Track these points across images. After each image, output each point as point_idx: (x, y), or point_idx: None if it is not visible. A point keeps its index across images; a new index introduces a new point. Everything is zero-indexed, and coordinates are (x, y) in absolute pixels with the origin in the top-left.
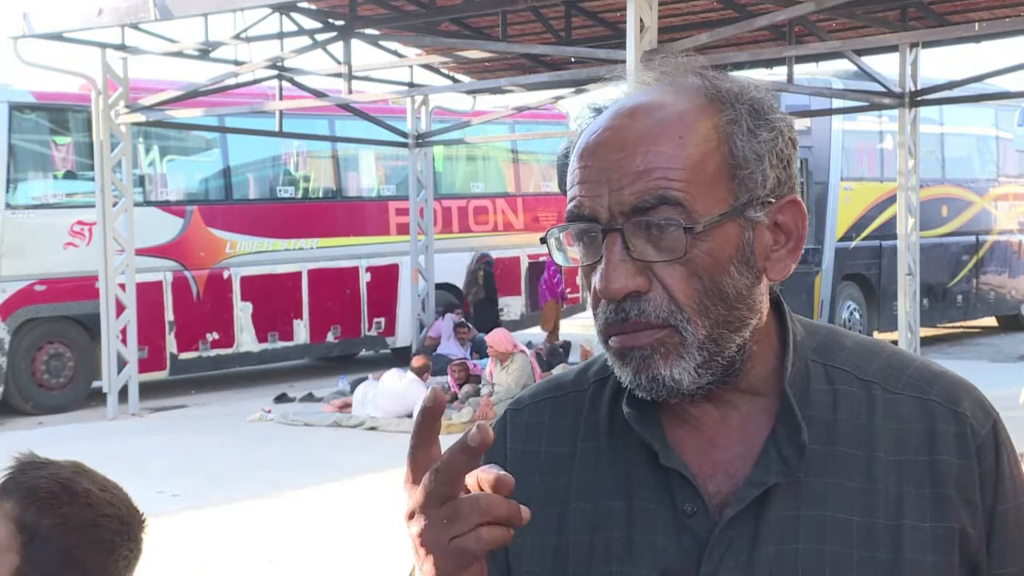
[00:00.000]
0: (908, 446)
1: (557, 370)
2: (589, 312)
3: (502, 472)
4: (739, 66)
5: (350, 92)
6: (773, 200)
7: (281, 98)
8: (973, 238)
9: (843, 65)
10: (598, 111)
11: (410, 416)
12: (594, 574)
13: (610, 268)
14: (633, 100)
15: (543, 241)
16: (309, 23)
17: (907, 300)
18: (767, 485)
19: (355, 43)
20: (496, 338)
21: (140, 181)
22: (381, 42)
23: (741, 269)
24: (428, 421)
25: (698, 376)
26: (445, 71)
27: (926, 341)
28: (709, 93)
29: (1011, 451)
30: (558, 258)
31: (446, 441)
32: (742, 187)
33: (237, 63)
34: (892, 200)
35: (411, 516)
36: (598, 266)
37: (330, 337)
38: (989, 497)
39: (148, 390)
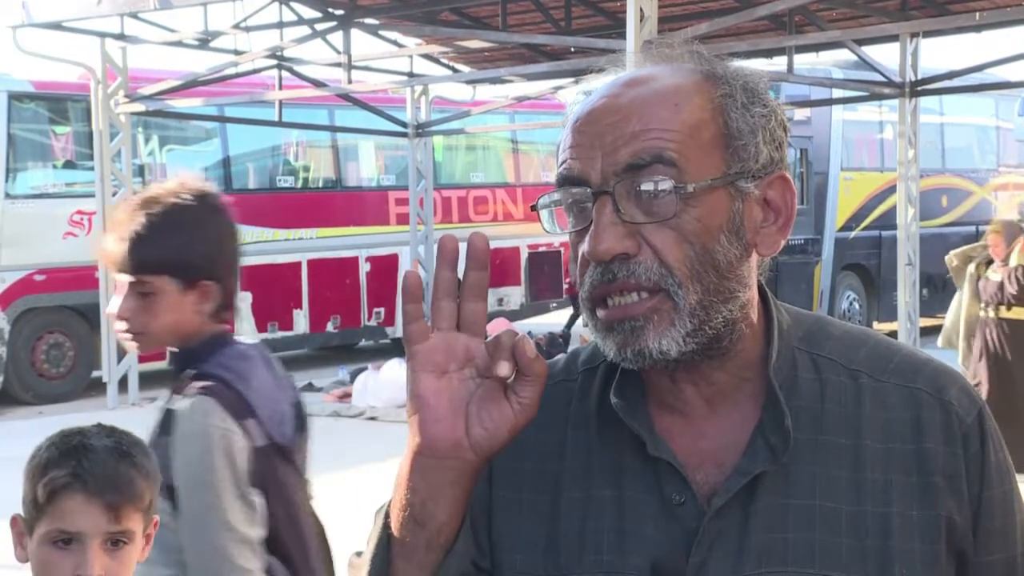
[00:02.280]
0: (895, 434)
1: None
2: None
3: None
4: (739, 56)
5: (350, 82)
6: (763, 176)
7: (281, 88)
8: (973, 228)
9: (843, 55)
10: (587, 94)
11: None
12: (585, 563)
13: (599, 229)
14: (628, 74)
15: (534, 209)
16: (309, 12)
17: (907, 290)
18: (754, 474)
19: (355, 32)
20: (497, 328)
21: (140, 171)
22: (381, 32)
23: (731, 239)
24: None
25: (685, 345)
26: (445, 61)
27: (926, 331)
28: (704, 71)
29: (997, 439)
30: (547, 225)
31: None
32: (735, 157)
33: (237, 52)
34: (892, 190)
35: (420, 369)
36: (586, 232)
37: (330, 327)
38: (975, 484)
39: (148, 380)
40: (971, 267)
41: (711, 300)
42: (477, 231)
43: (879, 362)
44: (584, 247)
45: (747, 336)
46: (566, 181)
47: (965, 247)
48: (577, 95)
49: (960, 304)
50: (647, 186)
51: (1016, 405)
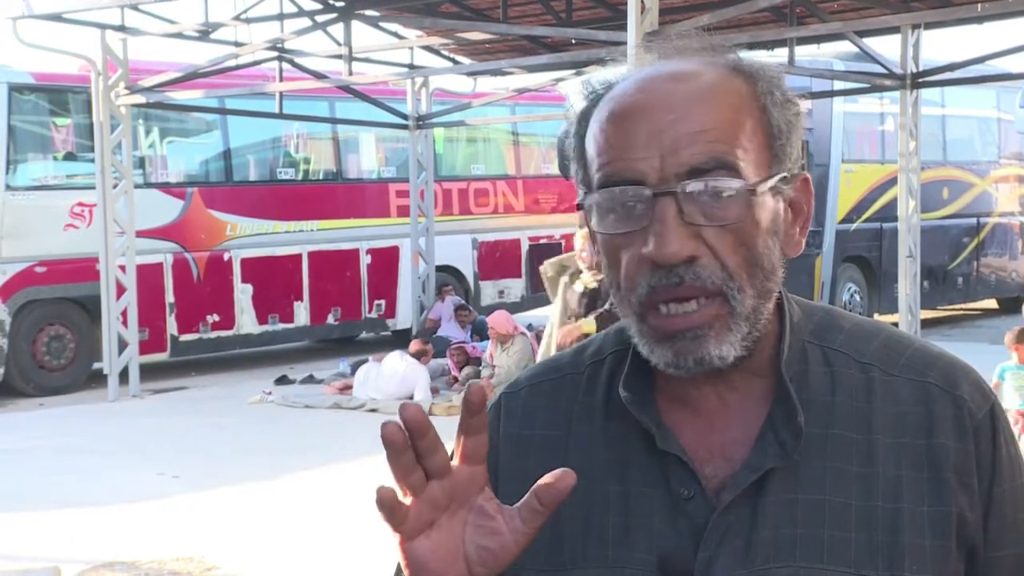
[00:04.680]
0: (906, 429)
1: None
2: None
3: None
4: (740, 48)
5: (350, 74)
6: (794, 176)
7: (281, 80)
8: (974, 220)
9: (844, 47)
10: (595, 89)
11: (411, 398)
12: (590, 558)
13: (667, 231)
14: (667, 68)
15: (579, 208)
16: (309, 4)
17: (908, 282)
18: (764, 469)
19: (355, 24)
20: (498, 320)
21: (140, 163)
22: (381, 23)
23: (773, 240)
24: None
25: (738, 349)
26: (445, 53)
27: (926, 323)
28: (735, 66)
29: (1008, 433)
30: (599, 225)
31: (447, 423)
32: (776, 158)
33: (237, 44)
34: (893, 182)
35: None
36: (637, 235)
37: (330, 319)
38: (986, 480)
39: (149, 372)
40: (564, 278)
41: (760, 303)
42: (406, 402)
43: (891, 356)
44: (647, 250)
45: (764, 334)
46: (618, 181)
47: (560, 256)
48: (585, 85)
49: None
50: (711, 189)
51: None
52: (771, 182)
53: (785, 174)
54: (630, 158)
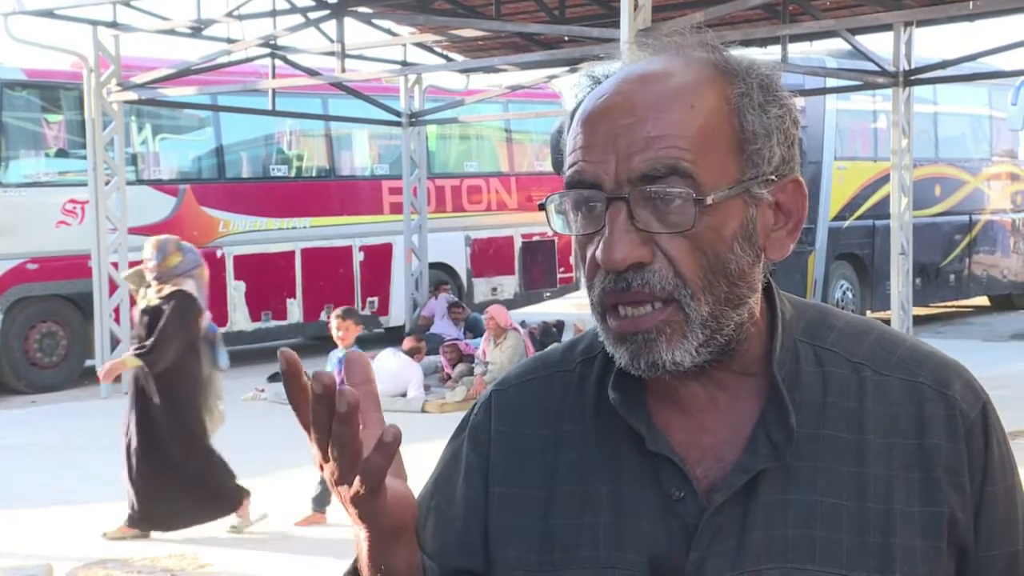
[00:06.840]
0: (898, 429)
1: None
2: (582, 292)
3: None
4: (733, 45)
5: (343, 71)
6: (776, 178)
7: (274, 76)
8: (966, 218)
9: (837, 44)
10: (597, 80)
11: (404, 395)
12: (581, 558)
13: (614, 238)
14: (641, 67)
15: (541, 208)
16: (302, 1)
17: (900, 280)
18: (756, 471)
19: (348, 21)
20: (498, 311)
21: (133, 159)
22: (374, 20)
23: (744, 246)
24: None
25: (698, 355)
26: (438, 50)
27: (919, 320)
28: (719, 65)
29: (1000, 433)
30: (556, 225)
31: (440, 421)
32: (749, 162)
33: (230, 41)
34: (885, 180)
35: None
36: (597, 236)
37: (323, 316)
38: (977, 480)
39: None
40: (143, 290)
41: (722, 309)
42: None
43: (882, 355)
44: (597, 253)
45: (753, 334)
46: (578, 183)
47: (139, 266)
48: (581, 77)
49: None
50: (663, 196)
51: (165, 460)
52: (735, 189)
53: (769, 177)
54: (590, 160)
